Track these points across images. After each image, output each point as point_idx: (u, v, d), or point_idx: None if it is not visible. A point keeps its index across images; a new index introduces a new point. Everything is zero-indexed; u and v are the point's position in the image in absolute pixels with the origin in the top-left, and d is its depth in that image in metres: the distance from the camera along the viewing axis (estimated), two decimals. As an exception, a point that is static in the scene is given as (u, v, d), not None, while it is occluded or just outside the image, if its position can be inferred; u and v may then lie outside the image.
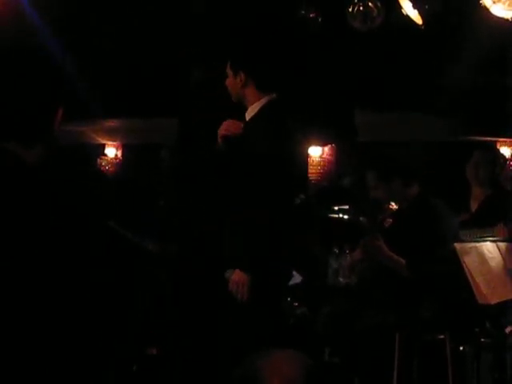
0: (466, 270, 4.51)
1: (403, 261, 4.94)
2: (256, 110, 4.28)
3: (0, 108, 2.16)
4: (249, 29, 6.22)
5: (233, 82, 4.30)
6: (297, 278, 5.89)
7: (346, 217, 6.50)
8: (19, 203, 2.06)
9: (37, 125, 2.20)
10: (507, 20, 5.02)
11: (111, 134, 9.95)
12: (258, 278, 4.11)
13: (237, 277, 4.13)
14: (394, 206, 5.16)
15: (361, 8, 6.23)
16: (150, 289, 5.72)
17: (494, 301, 4.49)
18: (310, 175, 9.36)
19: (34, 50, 2.27)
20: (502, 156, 7.00)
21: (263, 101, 4.27)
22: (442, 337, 4.86)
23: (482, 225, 5.31)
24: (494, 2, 4.91)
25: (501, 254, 4.68)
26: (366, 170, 5.43)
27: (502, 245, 4.73)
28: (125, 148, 10.24)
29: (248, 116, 4.32)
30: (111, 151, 10.27)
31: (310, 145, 9.41)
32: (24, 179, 2.12)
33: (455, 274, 4.59)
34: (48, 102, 2.22)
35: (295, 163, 4.35)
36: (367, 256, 5.23)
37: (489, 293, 4.48)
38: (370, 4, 6.22)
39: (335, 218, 6.56)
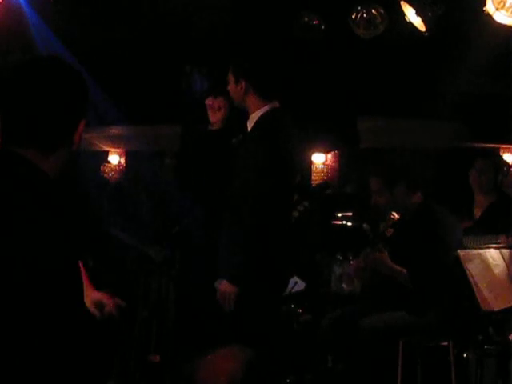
0: (470, 276, 4.50)
1: (405, 271, 4.93)
2: (256, 118, 4.26)
3: (27, 113, 2.16)
4: (251, 36, 6.21)
5: (234, 89, 4.29)
6: (301, 285, 5.88)
7: (349, 223, 6.49)
8: (33, 211, 2.06)
9: (59, 133, 2.20)
10: (510, 26, 5.03)
11: (115, 141, 9.97)
12: (246, 289, 4.09)
13: (223, 287, 4.13)
14: (395, 215, 5.13)
15: (364, 15, 6.25)
16: (151, 295, 5.72)
17: (497, 307, 4.48)
18: (313, 182, 9.37)
19: (64, 60, 2.27)
20: (506, 163, 6.99)
21: (264, 109, 4.24)
22: (445, 343, 4.85)
23: (486, 232, 5.31)
24: (497, 9, 4.92)
25: (504, 261, 4.67)
26: (369, 177, 5.42)
27: (506, 252, 4.73)
28: (128, 155, 10.25)
29: (249, 125, 4.30)
30: (114, 158, 10.28)
31: (314, 152, 9.44)
32: (39, 188, 2.11)
33: (459, 280, 4.59)
34: (74, 111, 2.23)
35: (287, 175, 4.31)
36: (369, 268, 5.22)
37: (492, 299, 4.48)
38: (373, 11, 6.23)
39: (338, 224, 6.56)
